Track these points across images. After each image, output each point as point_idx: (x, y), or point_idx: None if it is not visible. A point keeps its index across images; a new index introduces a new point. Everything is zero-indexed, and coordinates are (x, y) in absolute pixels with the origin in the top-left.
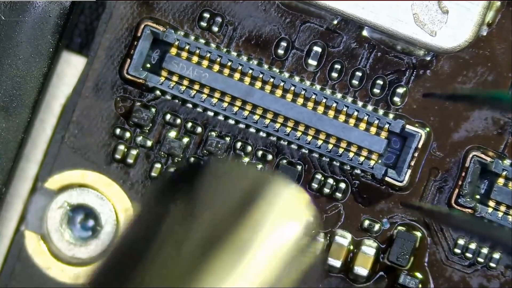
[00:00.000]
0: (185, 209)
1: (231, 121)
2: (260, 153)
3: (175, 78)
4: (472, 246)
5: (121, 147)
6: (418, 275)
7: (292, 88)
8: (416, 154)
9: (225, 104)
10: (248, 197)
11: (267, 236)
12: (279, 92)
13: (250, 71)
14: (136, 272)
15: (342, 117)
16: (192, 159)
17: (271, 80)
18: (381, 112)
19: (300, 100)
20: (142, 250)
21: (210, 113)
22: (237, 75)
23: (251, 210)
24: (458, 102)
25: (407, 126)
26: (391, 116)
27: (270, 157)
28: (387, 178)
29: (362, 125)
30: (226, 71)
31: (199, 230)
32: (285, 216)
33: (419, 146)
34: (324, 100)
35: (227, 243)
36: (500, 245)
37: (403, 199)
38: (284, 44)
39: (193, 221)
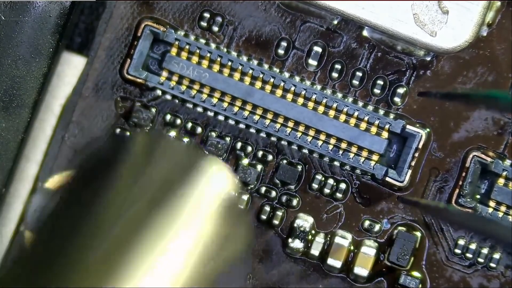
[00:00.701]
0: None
1: (231, 121)
2: (260, 153)
3: (175, 78)
4: (473, 246)
5: None
6: (418, 275)
7: (293, 88)
8: (416, 154)
9: (225, 104)
10: (177, 170)
11: (195, 203)
12: (279, 92)
13: (251, 71)
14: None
15: (342, 117)
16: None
17: (272, 80)
18: (381, 112)
19: (301, 100)
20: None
21: (210, 113)
22: (237, 75)
23: (180, 182)
24: (455, 101)
25: (408, 126)
26: (391, 116)
27: (270, 157)
28: (387, 178)
29: (363, 125)
30: (226, 71)
31: (138, 196)
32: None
33: (420, 146)
34: (324, 100)
35: (160, 214)
36: (499, 239)
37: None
38: (284, 44)
39: (132, 188)
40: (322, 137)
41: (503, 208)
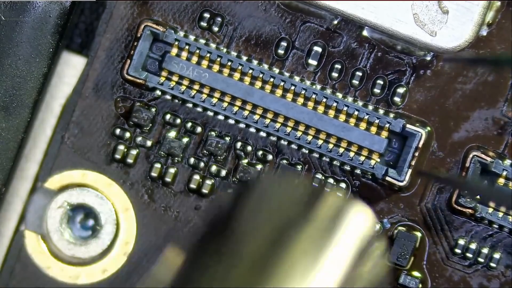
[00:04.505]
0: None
1: (231, 121)
2: (260, 153)
3: (175, 78)
4: (473, 246)
5: (121, 147)
6: (418, 275)
7: (292, 88)
8: (416, 154)
9: (225, 104)
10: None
11: (331, 248)
12: (279, 92)
13: (250, 71)
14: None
15: (342, 117)
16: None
17: (271, 80)
18: (381, 111)
19: (301, 100)
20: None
21: (210, 113)
22: (237, 75)
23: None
24: (483, 66)
25: (408, 126)
26: (391, 115)
27: (270, 157)
28: (387, 178)
29: (363, 125)
30: (226, 71)
31: (261, 244)
32: (348, 231)
33: (420, 145)
34: (324, 100)
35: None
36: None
37: (404, 199)
38: (284, 44)
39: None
40: (322, 136)
41: (503, 208)
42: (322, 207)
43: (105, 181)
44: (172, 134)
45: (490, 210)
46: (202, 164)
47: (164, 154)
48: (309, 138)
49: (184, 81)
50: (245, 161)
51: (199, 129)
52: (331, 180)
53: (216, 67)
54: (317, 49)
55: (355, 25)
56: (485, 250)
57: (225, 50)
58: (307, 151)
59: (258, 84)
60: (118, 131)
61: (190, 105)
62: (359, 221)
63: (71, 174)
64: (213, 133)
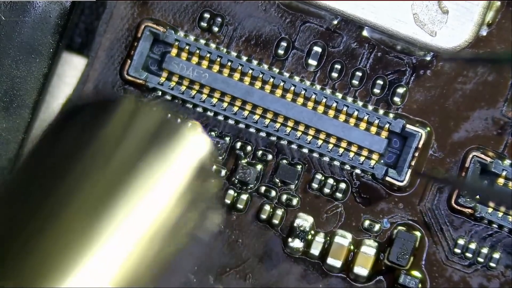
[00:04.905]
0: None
1: (231, 121)
2: (260, 153)
3: (175, 79)
4: (472, 246)
5: None
6: (418, 275)
7: (292, 88)
8: (416, 154)
9: (225, 104)
10: (152, 136)
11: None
12: (279, 92)
13: (250, 71)
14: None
15: (342, 117)
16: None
17: (271, 80)
18: (381, 111)
19: (300, 100)
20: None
21: (210, 113)
22: (237, 75)
23: (153, 149)
24: (482, 64)
25: (408, 126)
26: (391, 115)
27: (270, 157)
28: (387, 178)
29: (363, 125)
30: (226, 71)
31: (109, 167)
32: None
33: (420, 145)
34: (324, 100)
35: (132, 180)
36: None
37: (403, 198)
38: (284, 44)
39: (102, 157)
40: (322, 136)
41: (502, 208)
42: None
43: None
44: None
45: (490, 210)
46: None
47: None
48: (309, 138)
49: (184, 81)
50: (245, 160)
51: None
52: (331, 180)
53: (216, 67)
54: (317, 49)
55: (355, 25)
56: (484, 250)
57: (225, 50)
58: (307, 151)
59: (258, 84)
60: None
61: (190, 106)
62: (195, 146)
63: None
64: (213, 133)
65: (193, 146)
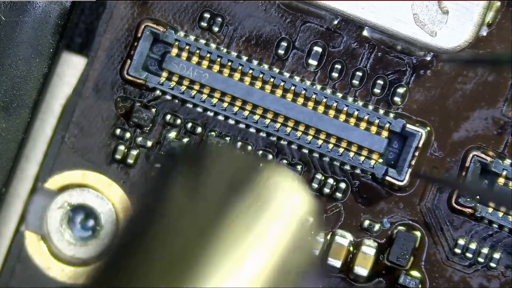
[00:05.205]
0: (183, 198)
1: (231, 121)
2: (260, 153)
3: (175, 79)
4: (473, 246)
5: (121, 148)
6: (418, 275)
7: (293, 88)
8: (416, 154)
9: (225, 104)
10: (244, 184)
11: (264, 227)
12: (279, 92)
13: (250, 71)
14: (135, 267)
15: (342, 117)
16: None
17: (271, 80)
18: (381, 111)
19: (301, 100)
20: (141, 244)
21: (210, 113)
22: (237, 75)
23: (248, 198)
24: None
25: (408, 126)
26: (391, 115)
27: (270, 157)
28: (387, 178)
29: (363, 125)
30: (226, 71)
31: (197, 218)
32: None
33: (420, 145)
34: (324, 100)
35: (224, 232)
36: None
37: (403, 198)
38: (284, 44)
39: (190, 210)
40: (322, 136)
41: (503, 208)
42: (257, 184)
43: (106, 182)
44: (173, 134)
45: (490, 209)
46: None
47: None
48: (309, 138)
49: (184, 81)
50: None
51: (199, 130)
52: (331, 180)
53: (216, 67)
54: (317, 49)
55: (355, 25)
56: (485, 250)
57: (225, 50)
58: (307, 151)
59: (258, 84)
60: (118, 131)
61: (190, 106)
62: (293, 202)
63: (71, 175)
64: (213, 133)
65: (292, 201)
